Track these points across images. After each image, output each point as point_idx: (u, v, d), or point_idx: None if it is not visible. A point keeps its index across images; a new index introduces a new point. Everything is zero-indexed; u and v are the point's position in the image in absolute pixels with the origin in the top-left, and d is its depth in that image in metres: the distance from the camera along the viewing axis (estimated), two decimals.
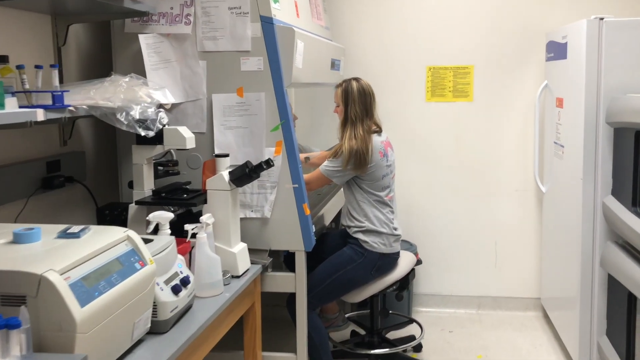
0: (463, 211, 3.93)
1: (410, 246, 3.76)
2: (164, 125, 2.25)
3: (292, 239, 2.51)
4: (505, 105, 3.82)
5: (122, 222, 2.37)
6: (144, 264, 1.66)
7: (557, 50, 3.32)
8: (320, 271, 2.83)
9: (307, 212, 2.49)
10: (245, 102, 2.47)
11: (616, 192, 2.76)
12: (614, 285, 2.76)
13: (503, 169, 3.87)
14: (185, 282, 1.92)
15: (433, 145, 3.91)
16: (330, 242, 3.06)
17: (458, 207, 3.94)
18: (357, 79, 2.83)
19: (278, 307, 3.29)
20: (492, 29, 3.76)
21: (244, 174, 2.19)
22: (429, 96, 3.87)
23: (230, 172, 2.24)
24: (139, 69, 2.43)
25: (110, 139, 2.75)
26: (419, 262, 3.71)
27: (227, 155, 2.28)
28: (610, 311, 2.85)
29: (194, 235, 2.12)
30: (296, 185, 2.47)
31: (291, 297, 2.69)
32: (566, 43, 3.13)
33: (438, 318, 3.90)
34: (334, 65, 3.33)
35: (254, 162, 2.26)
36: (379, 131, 2.85)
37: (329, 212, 3.08)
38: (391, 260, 2.88)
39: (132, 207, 2.32)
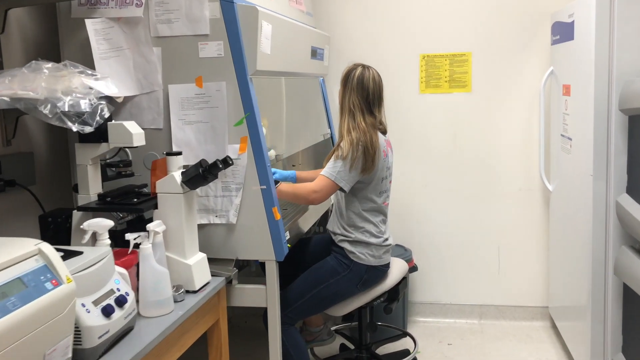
0: (462, 213, 3.62)
1: (404, 251, 3.45)
2: (107, 120, 1.96)
3: (261, 247, 2.21)
4: (507, 95, 3.50)
5: (68, 230, 2.08)
6: (58, 283, 1.37)
7: (563, 32, 3.00)
8: (300, 284, 2.53)
9: (277, 216, 2.19)
10: (205, 94, 2.18)
11: (632, 190, 2.44)
12: (630, 296, 2.43)
13: (506, 166, 3.55)
14: (121, 301, 1.63)
15: (428, 141, 3.60)
16: (314, 247, 2.76)
17: (457, 208, 3.62)
18: (366, 67, 2.51)
19: (254, 317, 2.98)
20: (491, 11, 3.45)
21: (197, 175, 1.90)
22: (423, 87, 3.56)
23: (182, 173, 1.94)
24: (89, 58, 2.14)
25: (63, 137, 2.46)
26: (414, 268, 3.42)
27: (179, 154, 1.99)
28: (626, 325, 2.52)
29: (137, 246, 1.82)
30: (264, 187, 2.17)
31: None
32: (573, 22, 2.81)
33: (436, 329, 3.59)
34: (316, 54, 3.03)
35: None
36: (384, 130, 2.56)
37: (310, 216, 2.78)
38: (379, 272, 2.58)
39: (76, 214, 2.03)
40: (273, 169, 2.69)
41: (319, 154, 3.35)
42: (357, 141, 2.37)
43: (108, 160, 2.18)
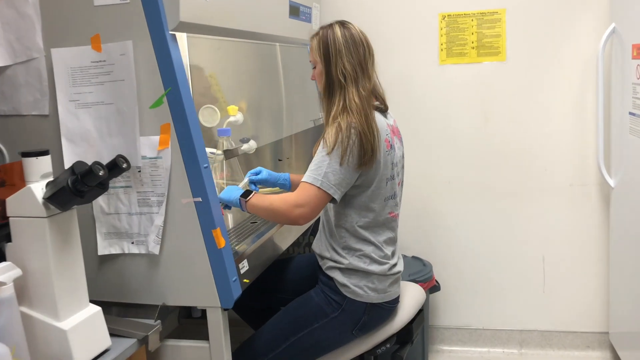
0: (496, 216, 2.85)
1: (423, 266, 2.70)
2: None
3: (199, 289, 1.48)
4: (552, 63, 2.71)
5: None
6: None
7: None
8: (272, 329, 1.81)
9: (221, 243, 1.46)
10: (105, 60, 1.45)
11: None
12: None
13: (552, 156, 2.76)
14: None
15: (451, 125, 2.82)
16: (295, 272, 2.03)
17: (489, 210, 2.85)
18: (342, 23, 1.77)
19: None
20: None
21: (64, 188, 1.16)
22: (443, 56, 2.78)
23: (48, 185, 1.21)
24: None
25: None
26: (435, 287, 2.69)
27: (42, 153, 1.25)
28: None
29: None
30: (199, 200, 1.44)
31: (239, 351, 1.76)
32: None
33: None
34: (298, 12, 2.28)
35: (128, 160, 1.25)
36: (382, 109, 1.80)
37: (290, 229, 2.03)
38: (384, 311, 1.84)
39: None
40: (259, 168, 1.98)
41: (310, 144, 2.61)
42: (348, 125, 1.63)
43: None
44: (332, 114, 1.67)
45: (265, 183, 1.99)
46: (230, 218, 2.01)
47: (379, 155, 1.68)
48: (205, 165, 1.45)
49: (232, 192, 1.76)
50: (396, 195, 1.82)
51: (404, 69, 2.80)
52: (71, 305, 1.26)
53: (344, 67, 1.69)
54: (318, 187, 1.63)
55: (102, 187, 1.22)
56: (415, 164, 2.83)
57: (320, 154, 1.65)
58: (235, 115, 2.50)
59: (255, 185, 1.96)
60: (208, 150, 2.31)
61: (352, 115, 1.64)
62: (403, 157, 1.89)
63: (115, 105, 1.45)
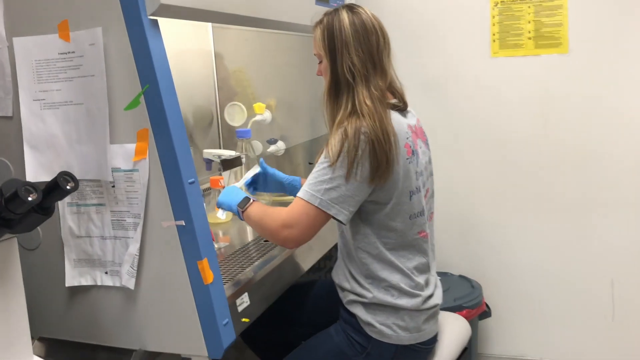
0: (557, 232, 2.49)
1: (471, 289, 2.37)
2: None
3: (183, 333, 1.21)
4: (623, 56, 2.33)
5: None
6: None
7: None
8: None
9: (208, 278, 1.18)
10: (74, 52, 1.19)
11: None
12: None
13: (623, 165, 2.39)
14: None
15: (504, 127, 2.47)
16: (318, 294, 1.75)
17: (548, 226, 2.49)
18: (350, 8, 1.45)
19: None
20: None
21: None
22: (495, 48, 2.43)
23: None
24: None
25: None
26: (486, 313, 2.37)
27: None
28: None
29: None
30: (182, 223, 1.16)
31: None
32: None
33: None
34: None
35: (95, 173, 1.02)
36: (401, 107, 1.47)
37: (303, 255, 1.73)
38: (419, 355, 1.53)
39: None
40: (270, 169, 1.70)
41: None
42: (357, 131, 1.31)
43: None
44: (338, 119, 1.37)
45: (266, 186, 1.71)
46: (235, 232, 1.73)
47: (398, 165, 1.37)
48: (191, 180, 1.17)
49: (232, 195, 1.48)
50: (424, 212, 1.49)
51: (449, 62, 2.46)
52: None
53: (352, 62, 1.37)
54: (315, 206, 1.32)
55: (44, 212, 0.95)
56: (460, 170, 2.50)
57: (321, 165, 1.34)
58: (262, 113, 2.25)
59: (254, 188, 1.68)
60: (226, 152, 2.06)
61: (363, 118, 1.33)
62: (430, 162, 1.57)
63: (85, 106, 1.19)
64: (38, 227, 1.29)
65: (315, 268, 1.91)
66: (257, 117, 2.22)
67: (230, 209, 1.47)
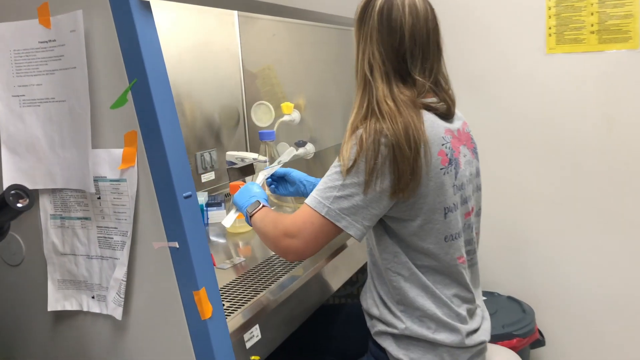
0: (622, 251, 2.21)
1: (522, 314, 2.11)
2: None
3: None
4: None
5: None
6: None
7: None
8: None
9: (206, 311, 0.98)
10: (55, 40, 1.01)
11: None
12: None
13: None
14: None
15: (562, 133, 2.20)
16: (346, 320, 1.55)
17: (612, 243, 2.21)
18: None
19: None
20: None
21: None
22: (552, 43, 2.17)
23: None
24: None
25: None
26: (539, 342, 2.12)
27: None
28: None
29: None
30: (175, 245, 0.97)
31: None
32: None
33: None
34: None
35: (78, 182, 0.93)
36: (445, 110, 1.23)
37: (345, 261, 1.54)
38: None
39: None
40: (281, 170, 1.54)
41: None
42: (376, 135, 1.11)
43: None
44: (352, 119, 1.16)
45: (286, 188, 1.53)
46: (258, 242, 1.54)
47: (427, 177, 1.14)
48: (187, 194, 0.98)
49: (246, 196, 1.34)
50: (462, 233, 1.26)
51: (498, 59, 2.21)
52: None
53: (372, 54, 1.16)
54: (322, 216, 1.13)
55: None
56: (510, 179, 2.24)
57: (333, 169, 1.15)
58: (291, 113, 2.06)
59: (275, 186, 1.53)
60: (250, 155, 1.87)
61: (382, 120, 1.12)
62: (477, 175, 1.34)
63: (67, 104, 1.02)
64: (20, 240, 1.14)
65: (344, 288, 1.70)
66: (285, 118, 2.03)
67: (241, 210, 1.33)
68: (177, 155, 0.97)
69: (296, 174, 1.52)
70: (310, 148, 2.12)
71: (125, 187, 0.99)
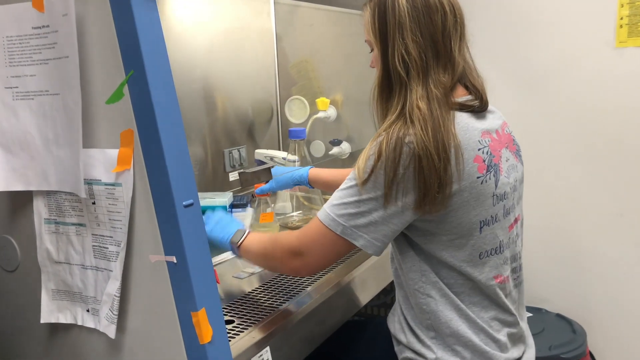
0: None
1: (572, 334, 1.93)
2: None
3: None
4: None
5: None
6: None
7: None
8: None
9: (205, 335, 0.86)
10: (49, 26, 0.91)
11: None
12: None
13: None
14: None
15: (630, 137, 2.00)
16: (374, 336, 1.42)
17: None
18: None
19: None
20: None
21: None
22: (622, 36, 1.96)
23: None
24: None
25: None
26: None
27: None
28: None
29: None
30: (172, 260, 0.86)
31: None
32: None
33: None
34: None
35: (71, 185, 0.88)
36: (477, 105, 1.07)
37: (373, 274, 1.40)
38: None
39: None
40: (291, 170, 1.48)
41: None
42: (398, 142, 0.96)
43: None
44: (383, 126, 1.02)
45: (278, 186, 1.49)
46: None
47: (458, 187, 0.99)
48: (188, 202, 0.86)
49: (221, 227, 1.19)
50: (504, 249, 1.09)
51: (560, 53, 2.02)
52: None
53: (407, 50, 1.00)
54: (337, 235, 1.00)
55: None
56: (563, 186, 2.06)
57: (348, 182, 1.02)
58: (326, 110, 1.93)
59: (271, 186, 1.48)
60: (280, 154, 1.76)
61: (411, 125, 0.97)
62: (522, 181, 1.17)
63: (61, 97, 0.91)
64: (15, 245, 1.05)
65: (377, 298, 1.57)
66: (320, 114, 1.91)
67: (222, 246, 1.17)
68: (178, 158, 0.85)
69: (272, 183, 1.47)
70: (345, 147, 1.98)
71: (120, 192, 0.88)
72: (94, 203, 0.92)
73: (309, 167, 1.50)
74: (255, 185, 1.52)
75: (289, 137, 1.64)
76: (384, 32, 1.03)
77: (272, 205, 1.70)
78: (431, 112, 0.96)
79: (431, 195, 0.96)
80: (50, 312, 1.00)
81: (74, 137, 0.89)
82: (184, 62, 1.69)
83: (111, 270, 0.92)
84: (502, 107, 1.16)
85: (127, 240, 0.89)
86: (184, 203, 0.85)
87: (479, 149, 1.01)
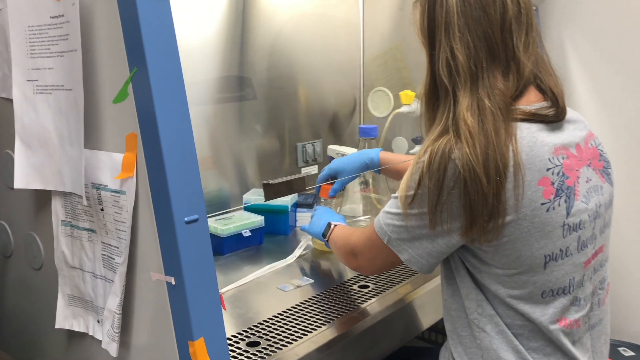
0: None
1: None
2: None
3: None
4: None
5: None
6: None
7: None
8: None
9: None
10: (63, 15, 0.84)
11: None
12: None
13: None
14: None
15: None
16: None
17: None
18: None
19: None
20: None
21: None
22: None
23: None
24: None
25: None
26: None
27: None
28: None
29: None
30: (171, 281, 0.76)
31: None
32: None
33: None
34: None
35: (71, 188, 0.84)
36: (552, 114, 0.87)
37: (421, 306, 1.24)
38: None
39: None
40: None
41: None
42: (444, 158, 0.81)
43: None
44: (429, 139, 0.85)
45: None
46: (333, 266, 1.30)
47: (517, 215, 0.81)
48: (191, 217, 0.76)
49: (317, 223, 1.22)
50: (575, 286, 0.89)
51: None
52: None
53: (453, 54, 0.83)
54: (384, 243, 0.92)
55: None
56: None
57: (395, 195, 0.91)
58: (410, 104, 1.77)
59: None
60: (350, 151, 1.62)
61: (458, 139, 0.80)
62: (609, 206, 0.95)
63: (73, 93, 0.84)
64: (39, 242, 1.01)
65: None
66: (403, 109, 1.74)
67: (319, 239, 1.21)
68: (182, 168, 0.75)
69: (335, 164, 1.39)
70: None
71: (125, 201, 0.80)
72: (102, 209, 0.85)
73: (379, 149, 1.38)
74: (322, 190, 1.40)
75: (359, 135, 1.50)
76: (432, 32, 0.87)
77: (339, 208, 1.58)
78: (482, 126, 0.79)
79: (480, 224, 0.80)
80: (65, 317, 0.95)
81: (76, 137, 0.82)
82: (265, 46, 1.61)
83: (114, 282, 0.84)
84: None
85: (131, 252, 0.81)
86: (185, 219, 0.76)
87: (547, 169, 0.83)
